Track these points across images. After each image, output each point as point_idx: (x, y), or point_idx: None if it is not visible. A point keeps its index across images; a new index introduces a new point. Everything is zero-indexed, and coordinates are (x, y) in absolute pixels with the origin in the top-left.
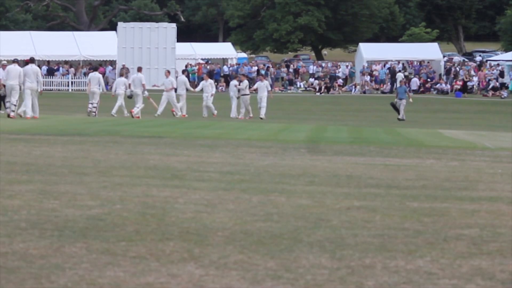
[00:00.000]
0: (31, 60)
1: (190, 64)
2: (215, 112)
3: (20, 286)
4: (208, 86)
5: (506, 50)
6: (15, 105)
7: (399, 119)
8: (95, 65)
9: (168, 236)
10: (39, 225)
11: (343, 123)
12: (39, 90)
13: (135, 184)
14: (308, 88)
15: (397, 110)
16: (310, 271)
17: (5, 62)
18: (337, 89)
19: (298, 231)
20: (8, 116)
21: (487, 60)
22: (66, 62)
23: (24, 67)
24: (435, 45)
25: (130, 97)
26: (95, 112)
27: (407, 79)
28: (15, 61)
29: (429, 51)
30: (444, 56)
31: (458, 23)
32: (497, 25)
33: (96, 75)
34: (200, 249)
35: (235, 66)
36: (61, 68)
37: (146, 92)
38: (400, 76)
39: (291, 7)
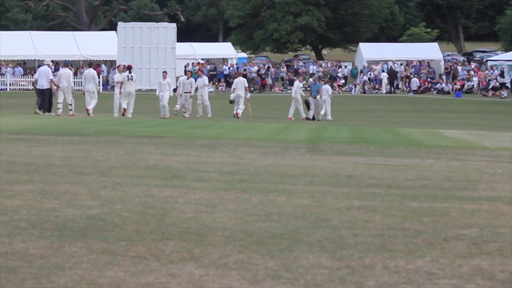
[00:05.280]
0: (90, 65)
1: (190, 64)
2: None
3: (20, 286)
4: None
5: (506, 50)
6: (70, 105)
7: (307, 119)
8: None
9: (168, 236)
10: (39, 225)
11: (343, 123)
12: (96, 91)
13: (135, 184)
14: (308, 88)
15: (309, 108)
16: (310, 271)
17: (50, 63)
18: (337, 89)
19: (298, 231)
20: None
21: (487, 60)
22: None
23: (85, 71)
24: (435, 45)
25: (232, 102)
26: (183, 111)
27: (407, 79)
28: (66, 65)
29: (429, 51)
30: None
31: (458, 23)
32: (497, 25)
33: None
34: (200, 249)
35: (235, 66)
36: (60, 68)
37: (248, 94)
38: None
39: (291, 7)
